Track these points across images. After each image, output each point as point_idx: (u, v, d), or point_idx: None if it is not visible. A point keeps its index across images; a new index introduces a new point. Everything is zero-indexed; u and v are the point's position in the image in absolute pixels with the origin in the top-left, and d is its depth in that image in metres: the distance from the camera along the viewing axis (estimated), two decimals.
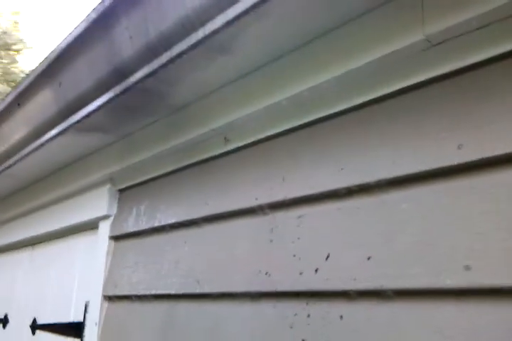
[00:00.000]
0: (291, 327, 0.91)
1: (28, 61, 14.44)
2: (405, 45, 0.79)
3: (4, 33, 13.64)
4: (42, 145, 1.47)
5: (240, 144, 1.11)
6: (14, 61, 13.84)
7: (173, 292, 1.21)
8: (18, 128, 1.56)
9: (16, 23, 14.25)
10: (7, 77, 13.19)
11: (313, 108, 0.94)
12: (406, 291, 0.76)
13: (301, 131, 0.98)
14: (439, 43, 0.77)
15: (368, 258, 0.82)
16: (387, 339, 0.76)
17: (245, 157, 1.10)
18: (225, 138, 1.13)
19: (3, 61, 13.48)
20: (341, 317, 0.84)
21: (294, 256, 0.93)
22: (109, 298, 1.44)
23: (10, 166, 1.71)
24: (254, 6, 0.83)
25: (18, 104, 1.51)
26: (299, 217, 0.95)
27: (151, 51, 1.03)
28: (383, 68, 0.82)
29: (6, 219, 2.25)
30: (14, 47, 13.85)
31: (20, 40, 14.18)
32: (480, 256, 0.69)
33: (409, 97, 0.81)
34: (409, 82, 0.80)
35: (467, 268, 0.69)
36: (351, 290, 0.83)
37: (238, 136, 1.11)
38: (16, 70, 13.37)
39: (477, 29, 0.73)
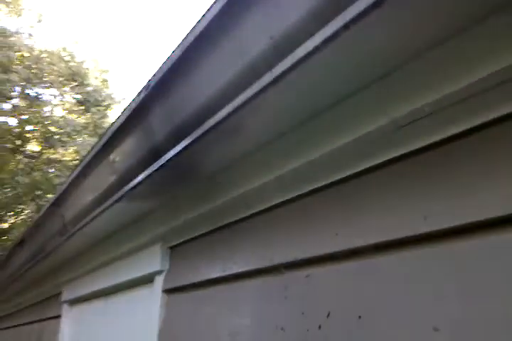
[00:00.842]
0: None
1: (118, 115, 15.60)
2: (376, 127, 0.90)
3: (94, 90, 14.89)
4: (103, 211, 1.69)
5: (258, 209, 1.24)
6: (104, 116, 15.03)
7: None
8: (84, 195, 1.81)
9: (104, 81, 15.54)
10: (98, 130, 14.32)
11: (308, 180, 1.07)
12: None
13: (304, 200, 1.11)
14: (405, 125, 0.88)
15: (359, 317, 0.91)
16: None
17: (262, 221, 1.23)
18: (246, 203, 1.28)
19: (94, 116, 14.68)
20: None
21: (303, 313, 1.04)
22: None
23: (81, 228, 1.95)
24: (249, 100, 0.98)
25: (84, 176, 1.76)
26: (307, 276, 1.06)
27: (177, 135, 1.21)
28: (358, 147, 0.94)
29: (82, 273, 2.53)
30: (104, 103, 15.07)
31: (110, 96, 15.40)
32: (446, 318, 0.76)
33: (384, 173, 0.92)
34: (382, 158, 0.91)
35: (435, 329, 0.77)
36: None
37: (256, 202, 1.25)
38: (106, 125, 14.49)
39: (431, 113, 0.84)
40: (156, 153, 1.32)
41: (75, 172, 1.81)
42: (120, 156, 1.47)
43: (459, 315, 0.75)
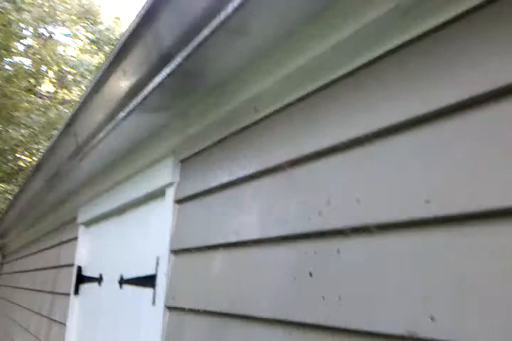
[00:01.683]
0: (303, 263, 1.07)
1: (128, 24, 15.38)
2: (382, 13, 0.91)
3: (107, 29, 14.57)
4: (115, 126, 1.74)
5: (266, 113, 1.28)
6: None
7: (216, 242, 1.42)
8: (97, 111, 1.85)
9: (117, 18, 15.17)
10: None
11: (313, 77, 1.09)
12: (382, 226, 0.90)
13: (311, 97, 1.13)
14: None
15: (357, 201, 0.96)
16: (373, 267, 0.90)
17: (270, 124, 1.27)
18: (254, 108, 1.31)
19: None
20: (338, 251, 0.99)
21: (305, 203, 1.10)
22: (175, 252, 1.69)
23: (95, 145, 2.02)
24: None
25: (96, 92, 1.79)
26: (309, 170, 1.11)
27: (186, 37, 1.23)
28: (362, 37, 0.95)
29: (97, 193, 2.62)
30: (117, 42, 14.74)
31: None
32: (436, 192, 0.81)
33: (387, 61, 0.94)
34: (385, 48, 0.93)
35: (427, 201, 0.82)
36: (345, 228, 0.98)
37: (264, 106, 1.28)
38: None
39: None
40: (165, 60, 1.34)
41: (88, 89, 1.84)
42: (131, 66, 1.49)
43: (448, 188, 0.79)
